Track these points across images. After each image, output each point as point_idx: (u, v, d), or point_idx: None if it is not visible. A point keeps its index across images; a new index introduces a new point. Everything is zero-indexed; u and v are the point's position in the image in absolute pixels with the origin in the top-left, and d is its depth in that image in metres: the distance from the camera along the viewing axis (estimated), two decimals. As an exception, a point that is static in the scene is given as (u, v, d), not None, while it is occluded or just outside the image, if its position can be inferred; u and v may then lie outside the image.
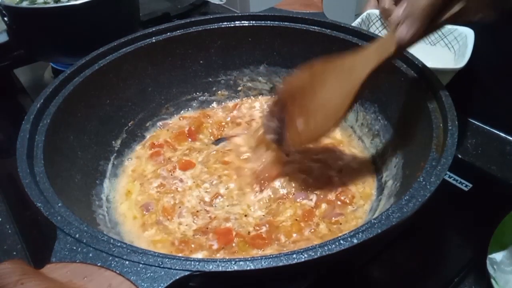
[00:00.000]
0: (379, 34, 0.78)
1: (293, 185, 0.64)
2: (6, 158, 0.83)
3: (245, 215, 0.60)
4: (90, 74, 0.64)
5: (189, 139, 0.75)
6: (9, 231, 0.66)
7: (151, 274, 0.37)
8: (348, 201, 0.62)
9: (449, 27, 0.78)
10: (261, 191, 0.63)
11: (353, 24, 0.72)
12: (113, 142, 0.70)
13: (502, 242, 0.54)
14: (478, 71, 0.87)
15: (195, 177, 0.67)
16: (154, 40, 0.72)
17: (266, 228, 0.58)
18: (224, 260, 0.38)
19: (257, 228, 0.58)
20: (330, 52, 0.72)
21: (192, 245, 0.56)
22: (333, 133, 0.74)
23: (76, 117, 0.62)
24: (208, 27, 0.75)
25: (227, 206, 0.62)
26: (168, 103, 0.78)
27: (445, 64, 0.75)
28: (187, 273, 0.37)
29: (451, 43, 0.79)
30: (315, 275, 0.53)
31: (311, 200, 0.62)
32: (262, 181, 0.64)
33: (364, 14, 0.84)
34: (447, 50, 0.80)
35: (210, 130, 0.77)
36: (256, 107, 0.81)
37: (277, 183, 0.64)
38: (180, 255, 0.53)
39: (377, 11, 0.84)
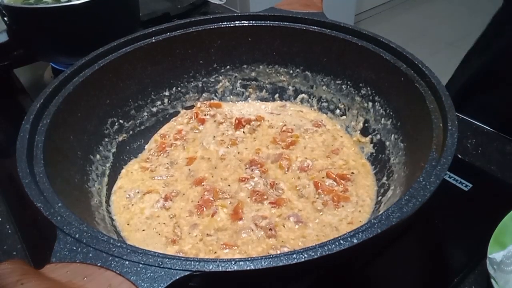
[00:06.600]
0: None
1: (290, 187, 0.64)
2: (6, 158, 0.83)
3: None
4: (90, 74, 0.64)
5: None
6: (9, 231, 0.66)
7: (151, 274, 0.37)
8: (348, 201, 0.61)
9: None
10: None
11: None
12: (113, 142, 0.70)
13: (502, 242, 0.53)
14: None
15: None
16: (154, 40, 0.72)
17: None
18: (224, 260, 0.38)
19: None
20: (330, 52, 0.72)
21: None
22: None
23: (76, 117, 0.62)
24: (208, 27, 0.75)
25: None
26: (168, 103, 0.78)
27: None
28: (187, 273, 0.37)
29: None
30: (315, 275, 0.53)
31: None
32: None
33: None
34: None
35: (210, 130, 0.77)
36: (255, 107, 0.81)
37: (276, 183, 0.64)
38: (179, 254, 0.53)
39: None
